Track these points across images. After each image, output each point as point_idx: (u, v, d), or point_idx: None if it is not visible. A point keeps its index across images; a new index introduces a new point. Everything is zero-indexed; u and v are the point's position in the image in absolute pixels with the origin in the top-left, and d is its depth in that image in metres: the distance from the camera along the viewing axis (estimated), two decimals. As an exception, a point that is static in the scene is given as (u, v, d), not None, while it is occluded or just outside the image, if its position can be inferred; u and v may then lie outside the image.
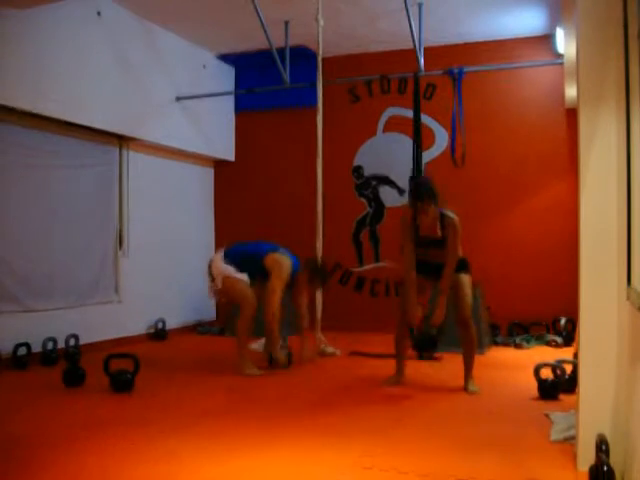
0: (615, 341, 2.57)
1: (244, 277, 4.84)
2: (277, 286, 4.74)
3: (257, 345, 5.81)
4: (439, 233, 4.11)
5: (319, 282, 5.12)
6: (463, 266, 4.18)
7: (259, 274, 4.84)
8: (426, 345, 4.06)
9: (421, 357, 4.24)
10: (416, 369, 4.55)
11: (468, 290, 4.14)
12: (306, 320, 5.20)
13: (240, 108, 7.75)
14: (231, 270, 4.82)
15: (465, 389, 4.16)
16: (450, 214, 4.12)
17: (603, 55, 2.60)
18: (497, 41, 6.67)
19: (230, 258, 4.89)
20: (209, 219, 7.75)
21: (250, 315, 4.77)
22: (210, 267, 4.95)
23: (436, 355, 4.25)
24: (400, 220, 4.23)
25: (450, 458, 2.80)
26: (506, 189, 6.68)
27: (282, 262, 4.83)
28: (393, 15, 6.05)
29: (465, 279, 4.15)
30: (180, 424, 3.37)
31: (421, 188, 4.12)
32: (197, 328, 7.12)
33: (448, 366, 4.36)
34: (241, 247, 5.05)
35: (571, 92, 5.80)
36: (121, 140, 6.21)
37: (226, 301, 5.05)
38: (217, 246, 7.74)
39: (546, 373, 3.93)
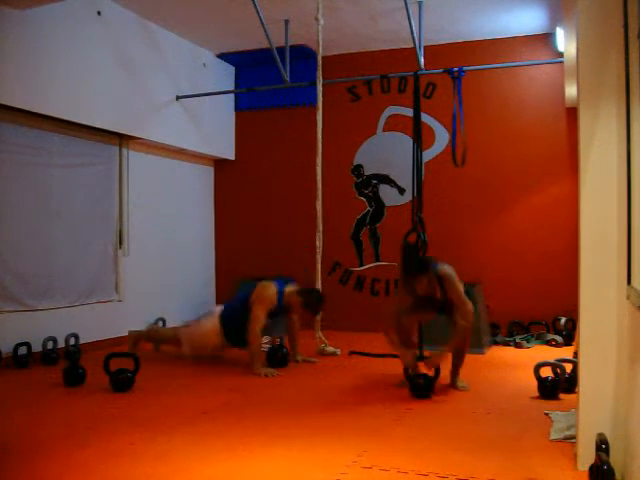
0: (615, 340, 2.57)
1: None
2: (257, 313, 4.80)
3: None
4: (439, 295, 4.13)
5: (312, 311, 5.05)
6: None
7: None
8: (422, 389, 4.00)
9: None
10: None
11: (459, 291, 4.12)
12: (297, 347, 5.26)
13: (240, 107, 7.75)
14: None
15: (453, 386, 4.20)
16: (444, 270, 4.12)
17: (603, 54, 2.60)
18: (497, 40, 6.67)
19: (226, 321, 5.01)
20: (209, 218, 7.75)
21: (259, 328, 4.80)
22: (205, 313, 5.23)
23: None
24: (398, 291, 4.34)
25: (450, 457, 2.80)
26: (506, 188, 6.67)
27: (263, 287, 4.91)
28: (393, 14, 6.05)
29: (450, 279, 4.16)
30: (180, 424, 3.37)
31: (410, 264, 4.12)
32: (197, 327, 7.11)
33: (448, 366, 4.35)
34: (230, 302, 5.23)
35: (571, 91, 5.79)
36: (121, 139, 6.20)
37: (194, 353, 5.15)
38: (216, 245, 7.76)
39: (546, 372, 3.94)
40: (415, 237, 4.56)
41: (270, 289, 4.90)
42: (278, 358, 4.98)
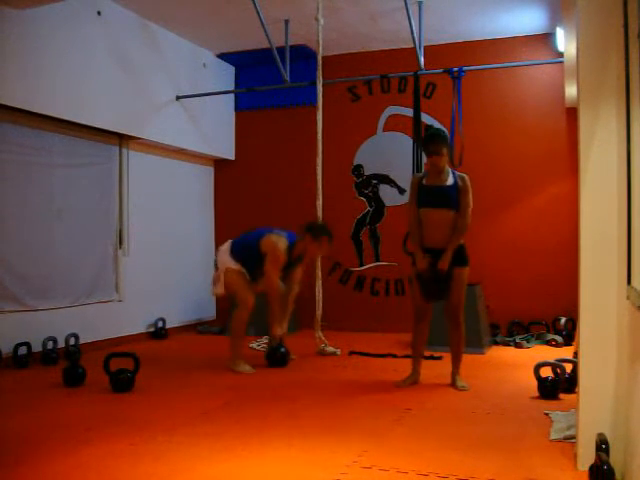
0: (615, 340, 2.57)
1: (244, 272, 4.86)
2: (272, 270, 4.78)
3: (256, 344, 5.83)
4: (448, 182, 4.17)
5: (325, 237, 4.95)
6: (462, 259, 4.19)
7: (261, 264, 4.84)
8: (435, 291, 4.13)
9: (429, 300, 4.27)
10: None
11: (462, 287, 4.18)
12: (287, 319, 5.17)
13: (240, 107, 7.75)
14: (234, 264, 4.86)
15: (454, 385, 4.21)
16: (462, 174, 4.27)
17: (603, 54, 2.60)
18: (497, 40, 6.67)
19: (235, 252, 4.92)
20: (209, 218, 7.75)
21: (245, 315, 4.83)
22: (216, 257, 5.01)
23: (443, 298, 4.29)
24: (410, 184, 4.38)
25: (450, 457, 2.80)
26: (506, 188, 6.67)
27: (275, 242, 4.83)
28: (393, 14, 6.05)
29: (462, 275, 4.18)
30: (180, 424, 3.37)
31: (434, 132, 4.25)
32: (197, 327, 7.13)
33: (448, 366, 4.35)
34: (243, 237, 5.08)
35: (571, 91, 5.79)
36: (121, 139, 6.20)
37: (226, 294, 5.02)
38: (217, 245, 7.75)
39: (546, 372, 3.94)
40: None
41: (283, 242, 4.84)
42: (277, 358, 4.98)
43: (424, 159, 6.50)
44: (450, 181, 4.18)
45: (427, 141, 4.20)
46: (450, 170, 4.23)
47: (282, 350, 5.02)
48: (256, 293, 4.92)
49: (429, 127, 4.39)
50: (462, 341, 4.28)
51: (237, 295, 4.87)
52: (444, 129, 4.35)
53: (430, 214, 4.18)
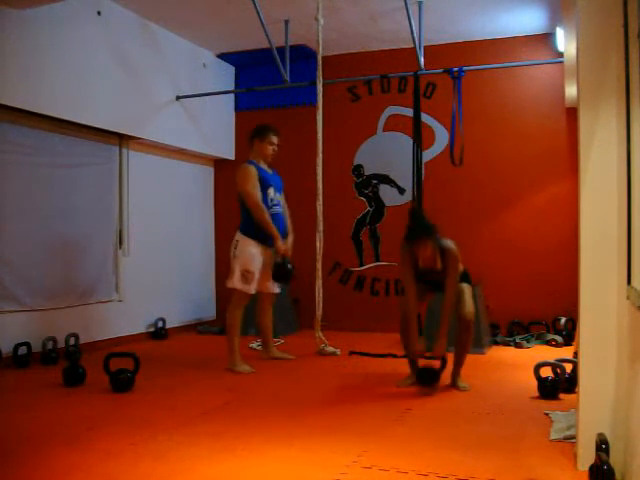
0: (615, 340, 2.57)
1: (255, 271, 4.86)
2: (245, 189, 4.86)
3: (256, 344, 5.82)
4: (439, 266, 4.12)
5: (270, 134, 5.08)
6: (464, 278, 4.24)
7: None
8: (428, 379, 4.06)
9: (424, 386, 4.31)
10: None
11: (469, 296, 4.16)
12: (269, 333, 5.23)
13: (240, 107, 7.75)
14: (252, 261, 4.87)
15: (455, 386, 4.20)
16: (448, 245, 4.11)
17: (603, 54, 2.60)
18: (497, 40, 6.67)
19: (243, 226, 4.97)
20: (209, 218, 7.75)
21: (239, 313, 4.84)
22: (236, 244, 4.97)
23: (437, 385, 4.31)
24: (399, 257, 4.20)
25: (450, 457, 2.80)
26: (506, 188, 6.67)
27: (239, 169, 4.97)
28: (393, 14, 6.05)
29: (466, 288, 4.20)
30: (179, 424, 3.37)
31: (416, 226, 4.04)
32: (197, 327, 7.12)
33: (448, 366, 4.35)
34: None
35: (571, 91, 5.79)
36: (121, 139, 6.20)
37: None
38: (216, 245, 7.75)
39: (546, 372, 3.94)
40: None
41: (246, 166, 4.93)
42: (282, 273, 4.92)
43: (424, 159, 6.53)
44: (440, 264, 4.11)
45: (409, 238, 4.05)
46: (438, 248, 4.09)
47: (289, 266, 4.92)
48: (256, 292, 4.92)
49: (412, 214, 4.11)
50: (469, 344, 4.23)
51: (234, 293, 4.86)
52: (426, 222, 4.06)
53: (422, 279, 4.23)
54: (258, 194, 4.86)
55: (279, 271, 4.91)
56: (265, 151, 5.07)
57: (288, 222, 5.17)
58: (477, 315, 5.48)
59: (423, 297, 4.40)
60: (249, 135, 5.16)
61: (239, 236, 4.94)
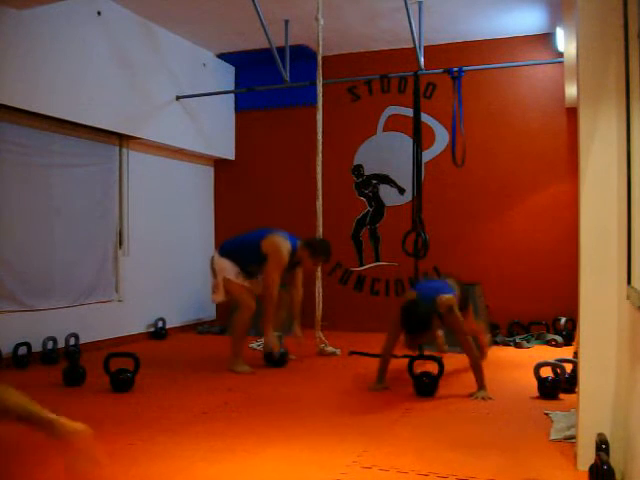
0: (615, 341, 2.57)
1: (244, 282, 4.88)
2: (273, 271, 4.76)
3: (256, 344, 5.82)
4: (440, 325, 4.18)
5: (321, 257, 5.00)
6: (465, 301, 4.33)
7: (259, 263, 4.82)
8: (426, 390, 4.02)
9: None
10: (416, 369, 4.54)
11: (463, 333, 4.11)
12: (298, 320, 5.18)
13: (240, 107, 7.75)
14: (231, 271, 4.85)
15: (475, 396, 4.00)
16: (443, 304, 4.02)
17: (603, 54, 2.60)
18: (497, 40, 6.67)
19: (228, 251, 4.93)
20: (209, 218, 7.75)
21: (248, 317, 4.84)
22: (212, 264, 4.98)
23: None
24: (392, 318, 4.15)
25: (450, 458, 2.80)
26: (506, 188, 6.67)
27: (279, 245, 4.82)
28: (393, 14, 6.05)
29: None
30: (179, 424, 3.37)
31: (412, 326, 3.90)
32: (197, 327, 7.12)
33: (448, 367, 4.35)
34: (239, 238, 5.10)
35: (571, 91, 5.79)
36: (121, 139, 6.20)
37: (226, 300, 5.04)
38: (217, 245, 7.76)
39: (546, 372, 3.93)
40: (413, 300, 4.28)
41: (285, 244, 4.84)
42: (275, 358, 4.98)
43: (424, 159, 6.53)
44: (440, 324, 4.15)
45: (406, 330, 3.95)
46: (438, 318, 4.05)
47: (282, 350, 5.02)
48: (256, 295, 4.92)
49: (408, 308, 3.94)
50: (474, 358, 4.05)
51: (239, 301, 4.88)
52: (418, 316, 3.90)
53: None
54: (279, 283, 4.83)
55: (272, 356, 4.97)
56: (305, 265, 5.03)
57: (298, 304, 5.15)
58: (477, 315, 5.51)
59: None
60: (305, 241, 4.98)
61: (221, 259, 4.90)
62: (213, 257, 5.01)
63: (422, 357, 4.46)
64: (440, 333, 4.42)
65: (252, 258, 4.84)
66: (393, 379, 4.42)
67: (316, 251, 4.94)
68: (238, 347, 4.84)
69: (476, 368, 4.03)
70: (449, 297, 4.06)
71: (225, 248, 5.00)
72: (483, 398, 3.91)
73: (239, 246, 4.96)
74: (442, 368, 4.11)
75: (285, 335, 5.27)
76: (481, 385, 4.00)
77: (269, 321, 4.80)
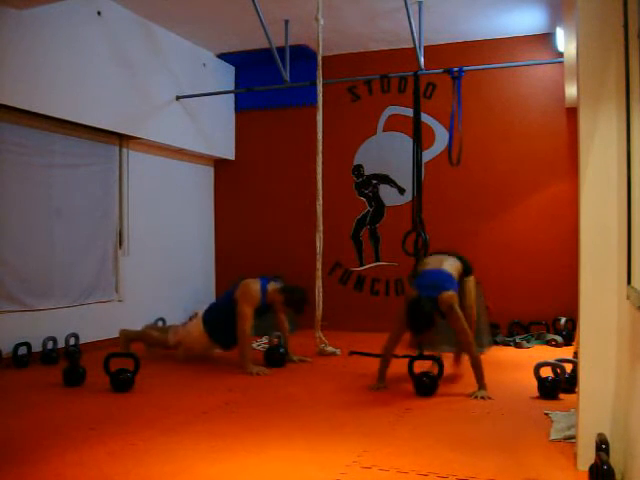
0: (615, 341, 2.57)
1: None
2: (245, 311, 4.83)
3: (255, 344, 5.83)
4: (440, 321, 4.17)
5: (294, 309, 5.05)
6: (467, 270, 4.24)
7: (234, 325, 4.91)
8: (426, 389, 4.03)
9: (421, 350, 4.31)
10: (416, 369, 4.54)
11: (472, 293, 4.15)
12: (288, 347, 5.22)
13: (240, 107, 7.75)
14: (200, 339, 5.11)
15: (474, 395, 4.01)
16: (445, 303, 4.04)
17: (603, 54, 2.60)
18: (497, 40, 6.67)
19: (210, 323, 5.06)
20: (209, 218, 7.75)
21: (247, 326, 4.86)
22: (193, 317, 5.19)
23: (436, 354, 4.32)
24: (396, 315, 4.22)
25: (450, 458, 2.80)
26: (506, 188, 6.68)
27: (249, 284, 4.93)
28: (393, 14, 6.05)
29: (470, 281, 4.20)
30: (180, 424, 3.37)
31: (416, 322, 3.94)
32: (197, 327, 7.11)
33: (447, 366, 4.35)
34: (215, 303, 5.34)
35: (571, 91, 5.79)
36: (121, 139, 6.20)
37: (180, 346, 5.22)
38: (216, 245, 7.76)
39: (546, 372, 3.94)
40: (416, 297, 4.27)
41: (254, 286, 4.93)
42: (276, 358, 4.99)
43: (424, 159, 6.53)
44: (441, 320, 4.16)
45: (412, 331, 4.05)
46: (439, 315, 4.09)
47: (281, 351, 5.03)
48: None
49: (413, 307, 3.95)
50: (474, 358, 4.07)
51: (238, 312, 4.88)
52: (423, 313, 3.93)
53: None
54: (250, 319, 4.87)
55: (272, 356, 5.01)
56: (278, 309, 5.08)
57: (286, 337, 5.21)
58: (477, 315, 5.50)
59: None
60: (284, 290, 5.00)
61: (198, 325, 5.06)
62: (197, 314, 5.16)
63: (422, 357, 4.46)
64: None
65: (229, 320, 4.89)
66: (393, 379, 4.42)
67: (289, 302, 4.98)
68: (247, 352, 4.84)
69: (476, 367, 4.03)
70: (450, 295, 4.07)
71: (209, 322, 5.09)
72: (483, 397, 3.91)
73: (217, 312, 5.09)
74: (442, 368, 4.11)
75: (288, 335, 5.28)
76: (481, 384, 4.00)
77: (244, 355, 4.80)
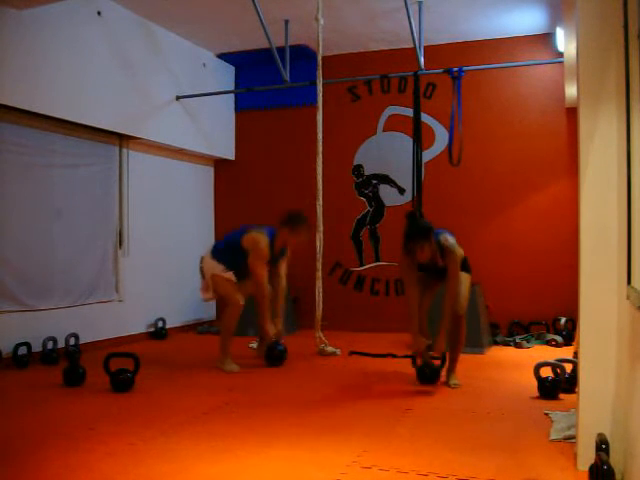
0: (615, 341, 2.57)
1: (232, 277, 4.89)
2: (257, 266, 4.79)
3: (255, 344, 5.82)
4: (440, 263, 4.15)
5: (301, 227, 4.99)
6: (464, 266, 4.22)
7: (245, 260, 4.85)
8: (429, 376, 4.19)
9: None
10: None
11: (465, 288, 4.20)
12: (279, 312, 5.11)
13: (240, 107, 7.75)
14: (219, 269, 4.90)
15: (447, 384, 4.23)
16: (448, 241, 4.11)
17: (603, 54, 2.60)
18: (497, 40, 6.67)
19: (218, 254, 4.97)
20: (209, 218, 7.75)
21: (236, 314, 4.87)
22: (201, 265, 5.05)
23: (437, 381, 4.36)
24: (400, 261, 4.25)
25: (450, 458, 2.80)
26: (506, 188, 6.68)
27: (256, 239, 4.86)
28: (393, 14, 6.05)
29: (464, 277, 4.21)
30: (180, 424, 3.37)
31: (413, 230, 4.04)
32: (197, 327, 7.12)
33: (447, 366, 4.35)
34: (225, 239, 5.18)
35: (571, 91, 5.79)
36: (121, 139, 6.20)
37: (216, 298, 5.13)
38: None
39: (546, 372, 3.94)
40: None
41: (263, 237, 4.88)
42: (275, 355, 4.98)
43: (424, 159, 6.53)
44: (441, 261, 4.15)
45: (407, 241, 4.07)
46: (437, 249, 4.11)
47: (279, 348, 5.02)
48: (246, 295, 4.94)
49: (408, 218, 4.11)
50: (462, 341, 4.31)
51: (227, 298, 4.91)
52: (422, 225, 4.09)
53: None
54: (265, 270, 4.85)
55: (270, 355, 4.98)
56: (290, 241, 5.01)
57: (281, 298, 5.13)
58: (477, 315, 5.52)
59: (429, 287, 4.37)
60: (283, 217, 5.00)
61: (211, 261, 4.97)
62: (203, 257, 5.06)
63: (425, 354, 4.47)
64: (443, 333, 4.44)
65: (239, 258, 4.85)
66: (393, 379, 4.43)
67: (294, 223, 4.95)
68: (226, 345, 4.87)
69: (456, 336, 4.21)
70: (453, 241, 4.13)
71: (215, 250, 5.04)
72: (455, 385, 4.13)
73: (226, 248, 4.99)
74: (444, 360, 4.20)
75: (284, 335, 5.27)
76: (452, 366, 4.23)
77: (265, 315, 4.84)
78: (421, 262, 4.12)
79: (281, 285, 5.13)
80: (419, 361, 4.23)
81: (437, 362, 4.22)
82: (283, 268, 5.14)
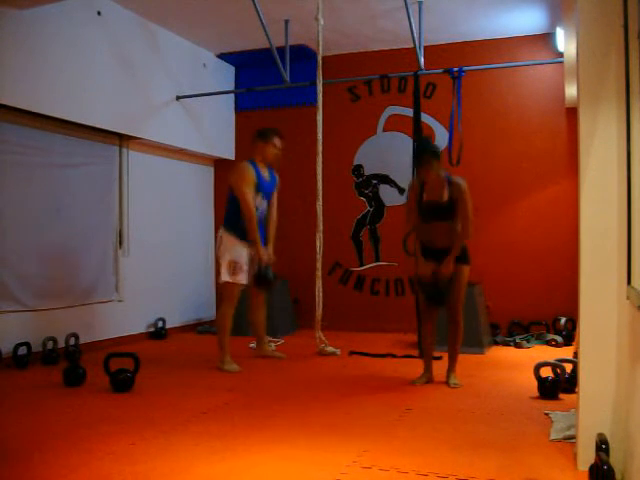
0: (615, 341, 2.57)
1: (243, 267, 4.87)
2: (241, 190, 4.80)
3: (254, 344, 5.83)
4: (445, 197, 4.16)
5: (272, 135, 5.07)
6: (463, 257, 4.22)
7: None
8: (436, 297, 4.23)
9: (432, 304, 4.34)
10: (415, 368, 4.55)
11: (463, 285, 4.23)
12: (271, 241, 5.13)
13: (240, 107, 7.75)
14: (234, 252, 4.87)
15: (447, 383, 4.25)
16: (457, 179, 4.20)
17: (603, 54, 2.60)
18: (497, 40, 6.66)
19: (228, 223, 4.96)
20: (209, 218, 7.75)
21: (230, 310, 4.87)
22: (220, 241, 4.99)
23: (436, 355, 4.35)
24: (408, 191, 4.38)
25: (450, 457, 2.80)
26: (506, 188, 6.67)
27: (238, 165, 4.94)
28: (393, 14, 6.05)
29: (464, 271, 4.22)
30: (180, 424, 3.37)
31: (423, 148, 4.21)
32: (197, 327, 7.12)
33: (447, 366, 4.36)
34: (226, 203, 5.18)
35: (571, 91, 5.79)
36: (121, 139, 6.20)
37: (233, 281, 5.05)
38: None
39: (546, 372, 3.94)
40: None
41: (243, 164, 4.93)
42: (264, 279, 4.93)
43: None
44: (446, 196, 4.17)
45: (416, 156, 4.26)
46: (445, 178, 4.19)
47: (270, 274, 4.93)
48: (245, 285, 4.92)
49: (420, 139, 4.31)
50: (459, 339, 4.32)
51: (224, 293, 4.89)
52: (431, 144, 4.35)
53: (429, 225, 4.25)
54: (252, 198, 4.85)
55: (260, 279, 4.94)
56: (267, 153, 5.06)
57: (272, 228, 5.16)
58: (477, 315, 5.52)
59: (428, 225, 4.30)
60: (252, 136, 5.13)
61: (223, 233, 4.96)
62: (221, 235, 4.99)
63: (421, 357, 4.47)
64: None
65: (238, 212, 4.88)
66: (393, 379, 4.43)
67: (264, 134, 5.04)
68: (224, 342, 4.88)
69: (453, 353, 4.25)
70: (464, 183, 4.19)
71: (226, 220, 5.02)
72: (455, 385, 4.16)
73: (228, 209, 5.01)
74: (449, 288, 4.22)
75: (280, 337, 5.28)
76: (453, 369, 4.27)
77: (254, 236, 4.82)
78: (427, 193, 4.18)
79: (272, 213, 5.15)
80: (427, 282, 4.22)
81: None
82: (274, 197, 5.18)
